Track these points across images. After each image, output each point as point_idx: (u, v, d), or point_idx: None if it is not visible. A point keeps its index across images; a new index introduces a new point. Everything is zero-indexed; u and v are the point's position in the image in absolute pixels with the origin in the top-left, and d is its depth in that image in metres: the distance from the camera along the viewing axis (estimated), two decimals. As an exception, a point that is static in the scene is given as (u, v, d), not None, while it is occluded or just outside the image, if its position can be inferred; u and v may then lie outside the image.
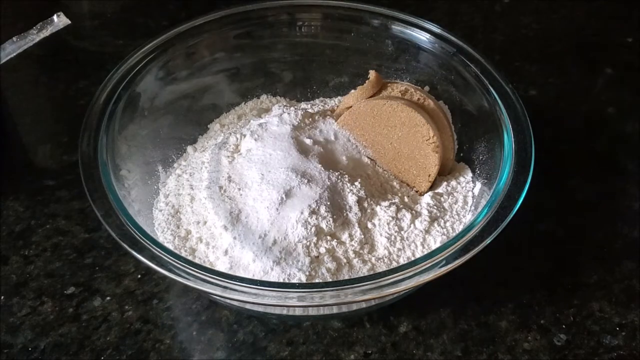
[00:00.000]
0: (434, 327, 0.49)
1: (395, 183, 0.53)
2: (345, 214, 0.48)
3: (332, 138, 0.54)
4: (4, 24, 0.75)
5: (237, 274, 0.45)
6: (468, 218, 0.50)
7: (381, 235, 0.48)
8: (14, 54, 0.55)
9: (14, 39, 0.55)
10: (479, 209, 0.46)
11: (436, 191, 0.52)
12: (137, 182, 0.51)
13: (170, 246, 0.47)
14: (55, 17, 0.56)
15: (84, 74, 0.71)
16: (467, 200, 0.52)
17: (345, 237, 0.47)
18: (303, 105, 0.61)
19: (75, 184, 0.58)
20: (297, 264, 0.45)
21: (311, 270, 0.45)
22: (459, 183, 0.53)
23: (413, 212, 0.50)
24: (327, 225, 0.47)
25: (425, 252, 0.47)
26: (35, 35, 0.56)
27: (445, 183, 0.53)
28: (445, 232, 0.49)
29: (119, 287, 0.51)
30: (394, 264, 0.47)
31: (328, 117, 0.55)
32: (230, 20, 0.59)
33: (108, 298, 0.51)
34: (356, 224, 0.48)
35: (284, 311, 0.47)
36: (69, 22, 0.57)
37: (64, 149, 0.62)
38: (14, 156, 0.62)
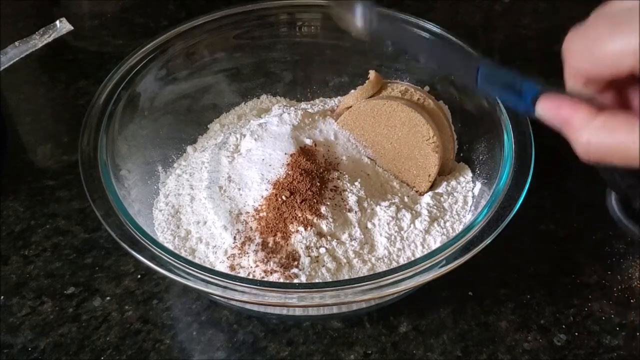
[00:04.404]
0: (434, 327, 0.49)
1: (395, 183, 0.53)
2: (345, 214, 0.48)
3: (332, 138, 0.54)
4: (4, 24, 0.75)
5: (237, 274, 0.45)
6: (468, 218, 0.50)
7: (381, 235, 0.48)
8: (17, 59, 0.55)
9: (17, 43, 0.55)
10: (479, 209, 0.46)
11: (436, 191, 0.52)
12: (137, 182, 0.51)
13: (170, 246, 0.47)
14: (58, 22, 0.56)
15: (84, 74, 0.71)
16: (467, 200, 0.52)
17: (345, 237, 0.47)
18: (303, 105, 0.61)
19: (75, 184, 0.59)
20: (297, 264, 0.45)
21: (311, 270, 0.45)
22: (459, 183, 0.53)
23: (413, 212, 0.50)
24: (327, 225, 0.47)
25: (425, 252, 0.47)
26: (38, 40, 0.56)
27: (445, 183, 0.53)
28: (445, 232, 0.49)
29: (119, 287, 0.51)
30: (394, 264, 0.47)
31: (328, 117, 0.55)
32: (230, 20, 0.59)
33: (108, 298, 0.51)
34: (356, 224, 0.48)
35: (284, 311, 0.47)
36: (72, 27, 0.57)
37: (64, 149, 0.62)
38: (14, 156, 0.62)
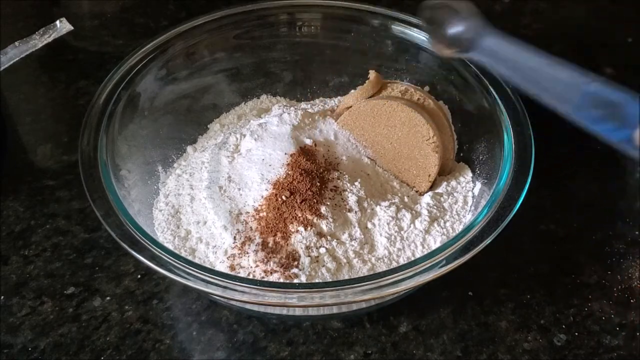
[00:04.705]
0: (434, 327, 0.49)
1: (395, 183, 0.53)
2: (345, 214, 0.48)
3: (332, 138, 0.54)
4: (4, 24, 0.75)
5: (237, 274, 0.45)
6: (468, 218, 0.50)
7: (381, 235, 0.48)
8: (17, 59, 0.55)
9: (17, 43, 0.55)
10: (479, 209, 0.46)
11: (436, 191, 0.52)
12: (137, 182, 0.51)
13: (170, 246, 0.47)
14: (58, 22, 0.56)
15: (84, 74, 0.71)
16: (467, 200, 0.52)
17: (345, 237, 0.47)
18: (303, 105, 0.61)
19: (75, 184, 0.58)
20: (297, 264, 0.45)
21: (311, 270, 0.45)
22: (459, 183, 0.53)
23: (413, 212, 0.50)
24: (327, 225, 0.47)
25: (425, 252, 0.47)
26: (38, 40, 0.56)
27: (445, 183, 0.53)
28: (445, 232, 0.49)
29: (119, 287, 0.51)
30: (394, 264, 0.47)
31: (328, 117, 0.55)
32: (230, 20, 0.59)
33: (108, 298, 0.51)
34: (356, 224, 0.48)
35: (284, 311, 0.47)
36: (72, 27, 0.57)
37: (64, 149, 0.62)
38: (14, 156, 0.62)
